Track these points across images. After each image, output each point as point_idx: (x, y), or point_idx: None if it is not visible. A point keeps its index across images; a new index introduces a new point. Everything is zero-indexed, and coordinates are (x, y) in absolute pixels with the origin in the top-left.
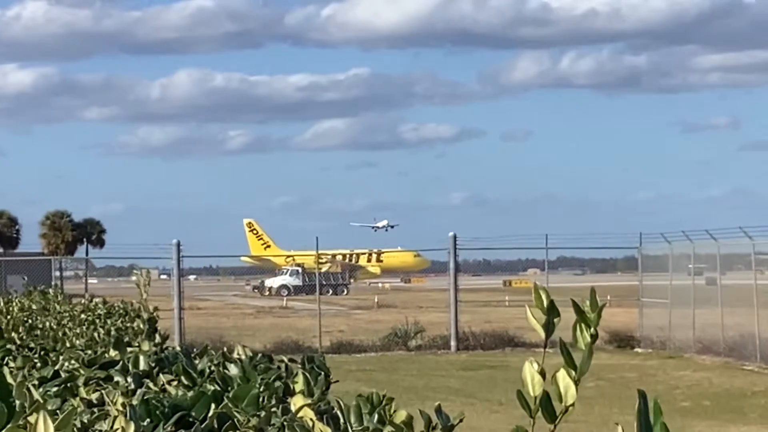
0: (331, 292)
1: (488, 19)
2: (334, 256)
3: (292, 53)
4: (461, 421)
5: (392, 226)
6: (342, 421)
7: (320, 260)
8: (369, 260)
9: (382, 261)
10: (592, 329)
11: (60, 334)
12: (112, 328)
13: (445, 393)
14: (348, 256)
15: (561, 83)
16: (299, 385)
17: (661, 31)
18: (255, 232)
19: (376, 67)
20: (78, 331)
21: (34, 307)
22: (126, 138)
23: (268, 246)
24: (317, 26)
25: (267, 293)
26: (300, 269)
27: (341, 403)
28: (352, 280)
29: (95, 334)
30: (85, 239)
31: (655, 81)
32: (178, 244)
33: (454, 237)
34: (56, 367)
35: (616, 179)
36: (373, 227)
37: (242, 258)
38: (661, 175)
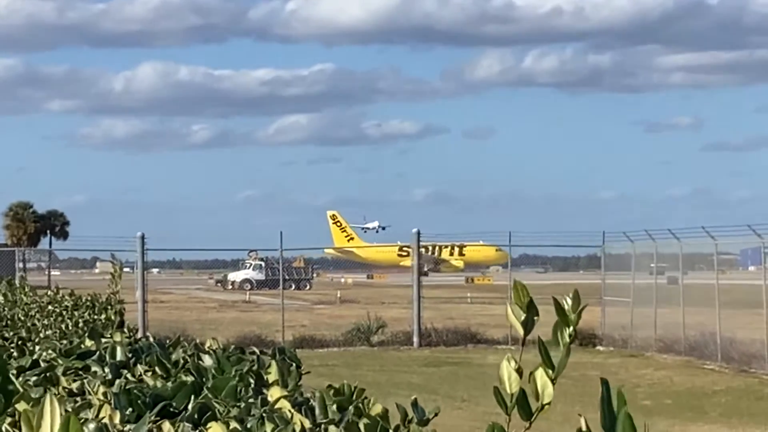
0: (293, 286)
1: (452, 16)
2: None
3: (256, 48)
4: (436, 415)
5: (383, 228)
6: (318, 413)
7: (403, 253)
8: (451, 254)
9: (464, 255)
10: (571, 328)
11: (29, 324)
12: (80, 320)
13: (408, 389)
14: (431, 249)
15: (524, 81)
16: (273, 376)
17: (624, 31)
18: (339, 224)
19: (340, 62)
20: (46, 322)
21: (1, 299)
22: (89, 130)
23: (352, 238)
24: (281, 21)
25: (230, 287)
26: (263, 263)
27: (318, 395)
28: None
29: (63, 326)
30: (48, 231)
31: (618, 80)
32: (143, 237)
33: (418, 233)
34: (34, 357)
35: (580, 178)
36: (362, 228)
37: (326, 250)
38: (624, 174)
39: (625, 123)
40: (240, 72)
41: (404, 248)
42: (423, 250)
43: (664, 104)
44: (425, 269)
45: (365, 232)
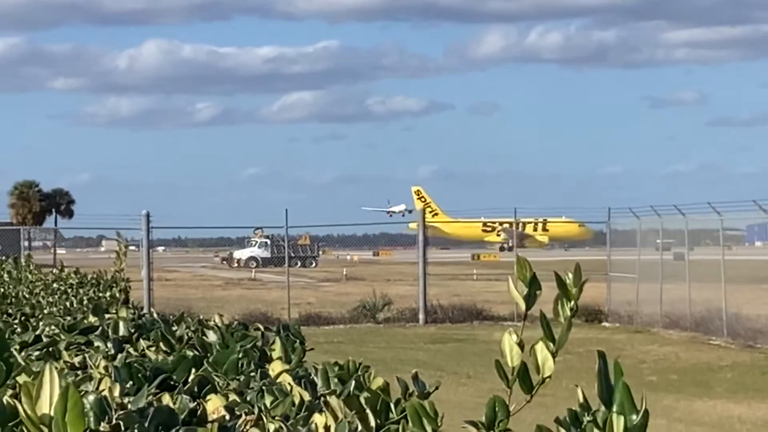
0: (299, 264)
1: None
2: (501, 224)
3: (260, 25)
4: (437, 388)
5: (410, 211)
6: (321, 384)
7: (487, 228)
8: (535, 229)
9: (547, 230)
10: (572, 303)
11: (34, 302)
12: (85, 298)
13: (413, 365)
14: (514, 224)
15: (529, 57)
16: (276, 352)
17: (628, 7)
18: (423, 199)
19: (344, 40)
20: (51, 299)
21: (6, 277)
22: (93, 108)
23: (436, 213)
24: None
25: (235, 265)
26: (269, 241)
27: (321, 368)
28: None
29: (67, 303)
30: (53, 210)
31: (623, 56)
32: (148, 215)
33: (423, 210)
34: (37, 332)
35: (585, 154)
36: (387, 212)
37: (410, 225)
38: (629, 150)
39: (630, 99)
40: (244, 49)
41: (488, 224)
42: (507, 225)
43: (669, 80)
44: (510, 244)
45: (390, 216)
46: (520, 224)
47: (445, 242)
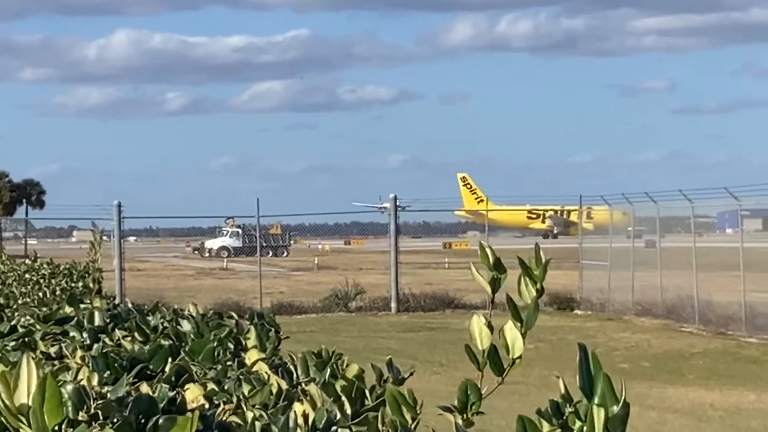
0: (271, 253)
1: None
2: (545, 211)
3: (229, 15)
4: (412, 374)
5: (402, 208)
6: (301, 372)
7: (531, 216)
8: (579, 217)
9: (592, 218)
10: (537, 284)
11: (7, 292)
12: (58, 288)
13: (386, 354)
14: (559, 212)
15: (498, 46)
16: (252, 341)
17: None
18: (469, 186)
19: (314, 29)
20: (24, 290)
21: None
22: (63, 99)
23: (481, 200)
24: None
25: (207, 255)
26: (240, 230)
27: (300, 356)
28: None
29: (40, 294)
30: (24, 200)
31: (592, 44)
32: (119, 205)
33: (395, 199)
34: (13, 323)
35: (555, 142)
36: (380, 208)
37: (456, 212)
38: (599, 138)
39: (599, 87)
40: (214, 39)
41: (532, 211)
42: (552, 212)
43: (638, 68)
44: (555, 231)
45: (382, 212)
46: (566, 212)
47: (490, 229)
